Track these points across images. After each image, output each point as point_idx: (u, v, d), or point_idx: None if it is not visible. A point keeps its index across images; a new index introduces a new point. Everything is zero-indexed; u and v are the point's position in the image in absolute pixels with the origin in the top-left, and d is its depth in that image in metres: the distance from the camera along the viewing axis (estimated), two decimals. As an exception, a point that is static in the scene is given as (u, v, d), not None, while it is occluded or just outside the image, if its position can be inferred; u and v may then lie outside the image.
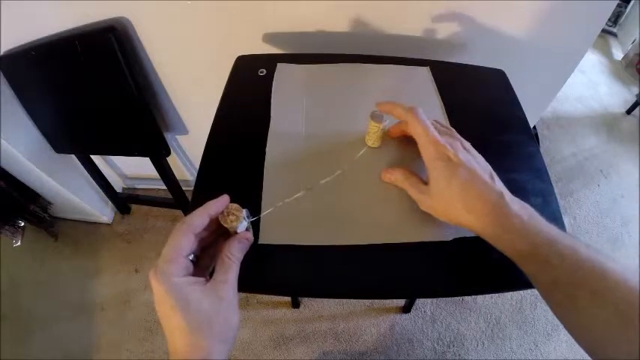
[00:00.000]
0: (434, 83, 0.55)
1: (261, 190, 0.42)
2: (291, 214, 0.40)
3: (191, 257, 0.31)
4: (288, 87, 0.54)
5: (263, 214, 0.38)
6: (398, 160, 0.45)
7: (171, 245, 0.29)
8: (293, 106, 0.51)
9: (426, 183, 0.36)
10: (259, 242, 0.38)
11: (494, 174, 0.34)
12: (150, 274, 0.29)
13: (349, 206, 0.41)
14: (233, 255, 0.31)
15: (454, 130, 0.40)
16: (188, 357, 0.28)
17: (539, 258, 0.29)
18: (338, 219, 0.40)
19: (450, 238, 0.38)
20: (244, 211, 0.33)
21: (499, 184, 0.33)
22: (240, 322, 0.31)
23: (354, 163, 0.44)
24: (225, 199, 0.33)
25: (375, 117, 0.42)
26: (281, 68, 0.57)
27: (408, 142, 0.43)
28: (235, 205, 0.33)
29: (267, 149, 0.46)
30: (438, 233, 0.38)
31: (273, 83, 0.54)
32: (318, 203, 0.41)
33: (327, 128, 0.48)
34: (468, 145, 0.37)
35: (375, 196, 0.42)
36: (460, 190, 0.32)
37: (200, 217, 0.31)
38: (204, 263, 0.33)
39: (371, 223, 0.40)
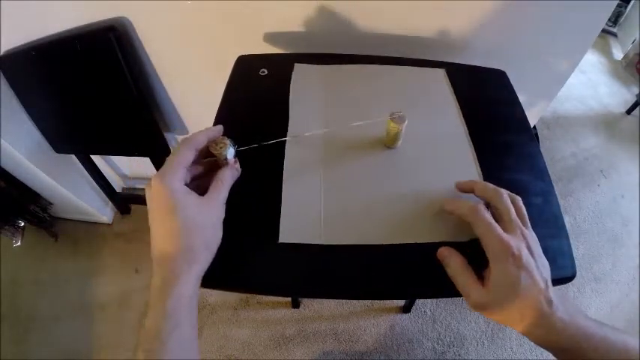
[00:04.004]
0: (450, 86, 0.55)
1: (278, 191, 0.42)
2: (310, 214, 0.40)
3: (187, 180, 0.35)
4: (306, 87, 0.54)
5: (251, 146, 0.40)
6: (415, 161, 0.45)
7: (176, 156, 0.33)
8: (311, 106, 0.51)
9: (480, 278, 0.34)
10: (279, 241, 0.38)
11: (549, 277, 0.33)
12: (154, 179, 0.32)
13: (367, 206, 0.41)
14: (225, 179, 0.36)
15: (520, 203, 0.37)
16: (179, 257, 0.31)
17: (577, 353, 0.31)
18: (355, 219, 0.40)
19: (465, 239, 0.38)
20: (229, 140, 0.37)
21: (551, 291, 0.32)
22: (220, 241, 0.35)
23: (373, 163, 0.44)
24: (220, 127, 0.38)
25: (394, 118, 0.42)
26: (298, 69, 0.57)
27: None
28: (222, 136, 0.37)
29: (285, 150, 0.46)
30: (453, 234, 0.38)
31: (291, 83, 0.54)
32: (336, 203, 0.41)
33: (346, 129, 0.48)
34: (531, 240, 0.34)
35: (392, 196, 0.42)
36: (518, 299, 0.31)
37: (201, 136, 0.36)
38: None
39: (388, 223, 0.40)
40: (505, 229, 0.34)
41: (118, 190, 1.28)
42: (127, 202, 1.31)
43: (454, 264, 0.35)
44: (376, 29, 0.68)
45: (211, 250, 0.34)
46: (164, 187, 0.31)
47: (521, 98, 0.55)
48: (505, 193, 0.37)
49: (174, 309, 0.30)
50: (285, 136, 0.47)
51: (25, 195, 1.11)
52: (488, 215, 0.35)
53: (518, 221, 0.35)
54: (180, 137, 1.09)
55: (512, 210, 0.36)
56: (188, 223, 0.31)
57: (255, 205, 0.41)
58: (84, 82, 0.83)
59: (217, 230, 0.34)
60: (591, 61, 1.93)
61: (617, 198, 1.41)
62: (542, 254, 0.35)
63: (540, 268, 0.33)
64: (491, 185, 0.38)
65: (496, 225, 0.34)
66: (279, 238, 0.39)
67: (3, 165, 0.96)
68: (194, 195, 0.33)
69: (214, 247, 0.34)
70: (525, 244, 0.33)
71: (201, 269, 0.33)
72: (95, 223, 1.29)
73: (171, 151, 0.34)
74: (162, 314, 0.30)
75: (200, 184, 0.36)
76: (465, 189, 0.40)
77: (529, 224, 0.36)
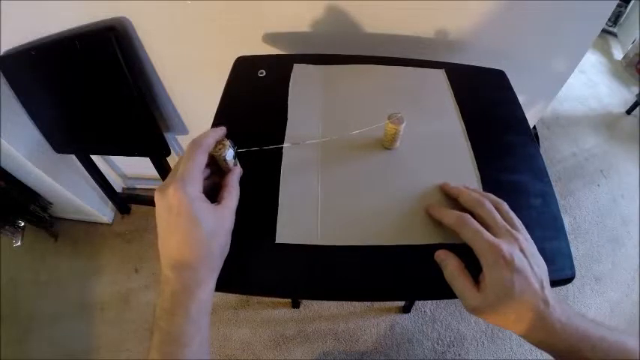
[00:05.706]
0: (449, 86, 0.55)
1: (276, 191, 0.42)
2: (307, 214, 0.40)
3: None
4: (305, 88, 0.54)
5: (251, 149, 0.40)
6: (414, 162, 0.45)
7: (191, 162, 0.33)
8: (309, 106, 0.51)
9: (475, 282, 0.34)
10: (276, 242, 0.38)
11: (546, 278, 0.33)
12: (172, 187, 0.31)
13: (364, 207, 0.41)
14: (236, 186, 0.37)
15: (505, 207, 0.37)
16: (200, 265, 0.32)
17: (575, 354, 0.31)
18: (353, 220, 0.40)
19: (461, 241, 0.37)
20: (229, 141, 0.37)
21: (547, 292, 0.32)
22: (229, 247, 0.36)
23: (371, 164, 0.44)
24: (223, 128, 0.38)
25: (393, 119, 0.42)
26: (297, 69, 0.57)
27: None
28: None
29: (283, 150, 0.46)
30: (451, 235, 0.38)
31: (290, 84, 0.54)
32: (333, 204, 0.41)
33: (344, 130, 0.47)
34: (523, 241, 0.34)
35: (389, 197, 0.42)
36: (514, 302, 0.31)
37: (209, 138, 0.35)
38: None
39: (386, 225, 0.40)
40: (494, 235, 0.34)
41: (118, 190, 1.28)
42: (127, 202, 1.31)
43: (451, 267, 0.35)
44: (375, 29, 0.68)
45: (224, 257, 0.35)
46: (185, 197, 0.31)
47: (521, 98, 0.55)
48: (487, 201, 0.37)
49: (197, 314, 0.31)
50: (284, 136, 0.47)
51: (25, 195, 1.11)
52: (474, 222, 0.35)
53: (506, 225, 0.35)
54: (180, 137, 1.09)
55: (497, 215, 0.35)
56: (209, 232, 0.32)
57: (252, 205, 0.41)
58: (84, 82, 0.83)
59: (229, 237, 0.35)
60: (591, 61, 1.93)
61: (617, 198, 1.41)
62: (538, 254, 0.34)
63: (535, 268, 0.33)
64: (474, 194, 0.38)
65: (484, 231, 0.34)
66: (276, 238, 0.39)
67: (3, 165, 0.96)
68: (208, 204, 0.33)
69: (226, 253, 0.35)
70: (517, 246, 0.33)
71: (217, 275, 0.34)
72: (95, 223, 1.29)
73: (183, 155, 0.34)
74: (185, 319, 0.31)
75: (205, 187, 0.36)
76: (451, 194, 0.40)
77: (519, 226, 0.36)
